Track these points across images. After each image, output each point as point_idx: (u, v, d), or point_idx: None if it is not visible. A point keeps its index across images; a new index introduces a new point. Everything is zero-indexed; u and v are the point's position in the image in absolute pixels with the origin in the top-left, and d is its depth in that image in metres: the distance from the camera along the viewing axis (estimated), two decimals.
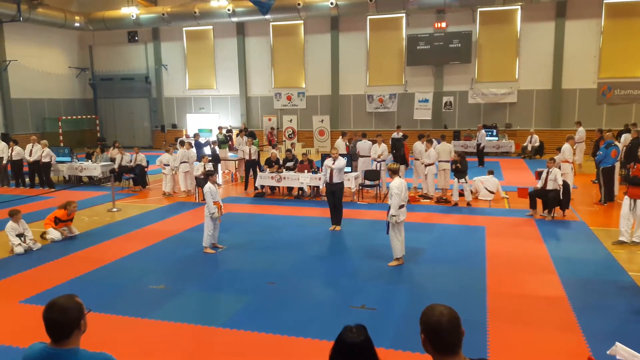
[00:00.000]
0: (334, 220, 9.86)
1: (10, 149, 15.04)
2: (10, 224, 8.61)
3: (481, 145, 18.38)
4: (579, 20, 21.06)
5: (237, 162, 16.39)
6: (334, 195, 9.73)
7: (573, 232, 9.40)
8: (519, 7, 21.70)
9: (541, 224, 9.89)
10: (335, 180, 9.71)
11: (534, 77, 21.94)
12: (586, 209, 11.23)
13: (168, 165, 13.75)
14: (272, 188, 13.74)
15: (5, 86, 23.59)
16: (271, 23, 24.85)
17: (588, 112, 21.23)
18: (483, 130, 19.00)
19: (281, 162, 13.63)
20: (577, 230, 9.51)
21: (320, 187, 10.21)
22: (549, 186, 10.26)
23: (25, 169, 15.41)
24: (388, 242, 8.77)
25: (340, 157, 9.90)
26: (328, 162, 9.80)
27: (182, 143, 14.26)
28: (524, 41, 21.97)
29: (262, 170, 13.68)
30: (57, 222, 9.44)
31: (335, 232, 9.62)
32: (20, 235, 8.64)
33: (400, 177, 7.63)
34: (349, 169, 12.58)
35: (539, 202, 10.51)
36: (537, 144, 20.23)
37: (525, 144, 20.54)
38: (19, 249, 8.47)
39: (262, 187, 13.52)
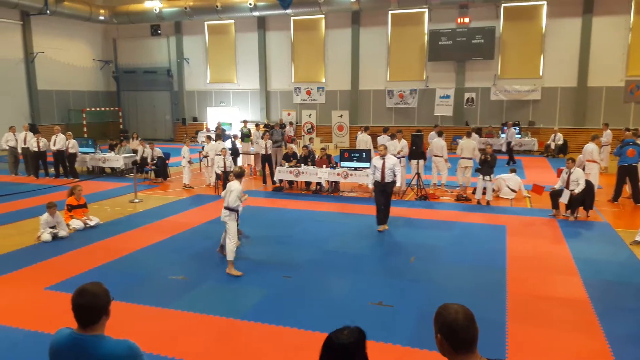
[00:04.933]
0: (383, 219, 9.40)
1: (37, 139, 15.33)
2: (46, 216, 8.83)
3: (512, 143, 18.08)
4: (607, 17, 20.59)
5: (254, 156, 16.49)
6: (385, 194, 9.26)
7: (596, 233, 9.24)
8: (545, 2, 21.31)
9: (563, 224, 9.73)
10: (387, 179, 9.16)
11: (558, 74, 21.54)
12: (610, 209, 11.03)
13: (184, 157, 14.01)
14: (290, 182, 13.79)
15: (33, 78, 24.08)
16: (292, 17, 24.84)
17: (615, 111, 20.78)
18: (513, 128, 18.69)
19: (299, 157, 13.66)
20: (601, 231, 9.33)
21: (370, 186, 9.67)
22: (572, 187, 10.06)
23: (50, 159, 15.72)
24: (407, 239, 8.76)
25: (390, 155, 9.44)
26: (376, 161, 9.30)
27: (210, 137, 14.63)
28: (549, 37, 21.58)
29: (279, 165, 13.72)
30: (71, 209, 9.65)
31: (351, 228, 9.59)
32: (52, 228, 8.88)
33: (240, 182, 7.42)
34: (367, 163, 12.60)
35: (561, 201, 10.33)
36: (561, 142, 19.91)
37: (548, 142, 20.23)
38: (46, 237, 8.69)
39: (281, 181, 13.58)
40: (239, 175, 7.51)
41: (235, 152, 15.20)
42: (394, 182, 9.24)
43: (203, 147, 14.80)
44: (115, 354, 2.37)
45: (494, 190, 12.27)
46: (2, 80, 22.65)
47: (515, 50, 22.17)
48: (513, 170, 12.59)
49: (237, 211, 7.33)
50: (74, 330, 2.42)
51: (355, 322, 2.34)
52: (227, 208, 7.24)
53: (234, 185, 7.27)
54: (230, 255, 7.17)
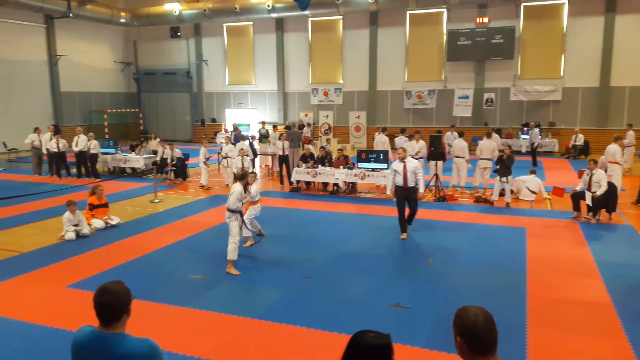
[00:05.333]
0: (405, 227, 9.01)
1: (56, 140, 15.55)
2: (67, 214, 9.01)
3: (535, 145, 17.68)
4: (630, 15, 20.16)
5: (271, 157, 16.56)
6: (408, 199, 8.82)
7: (619, 236, 9.06)
8: (566, 1, 20.99)
9: (585, 227, 9.57)
10: (410, 183, 8.70)
11: (580, 74, 21.18)
12: (634, 212, 10.80)
13: (208, 158, 14.19)
14: (308, 183, 13.82)
15: (56, 80, 24.56)
16: (310, 19, 24.89)
17: (639, 111, 20.35)
18: (536, 129, 18.33)
19: (316, 158, 13.67)
20: (624, 234, 9.15)
21: (388, 192, 9.07)
22: (593, 189, 9.89)
23: (72, 159, 15.96)
24: (425, 241, 8.69)
25: (410, 158, 8.97)
26: (397, 165, 8.75)
27: (229, 138, 14.87)
28: (570, 37, 21.24)
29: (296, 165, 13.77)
30: (92, 208, 9.81)
31: (368, 229, 9.56)
32: (75, 226, 9.06)
33: (241, 184, 7.51)
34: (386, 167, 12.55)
35: (582, 203, 10.16)
36: (582, 143, 19.56)
37: (573, 144, 19.83)
38: (70, 235, 8.86)
39: (298, 182, 13.62)
40: (241, 177, 7.64)
41: (253, 153, 15.29)
42: (417, 187, 8.79)
43: (221, 148, 14.91)
44: (135, 352, 2.40)
45: (512, 192, 12.13)
46: (26, 82, 23.15)
47: (535, 50, 21.87)
48: (533, 172, 12.44)
49: (239, 212, 7.47)
50: (96, 328, 2.46)
51: (373, 324, 2.34)
52: (228, 209, 7.41)
53: (235, 188, 7.43)
54: (230, 254, 7.24)
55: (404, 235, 8.91)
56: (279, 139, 15.05)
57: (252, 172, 9.43)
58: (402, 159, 8.73)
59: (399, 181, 8.75)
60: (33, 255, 8.05)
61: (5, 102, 22.19)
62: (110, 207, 10.31)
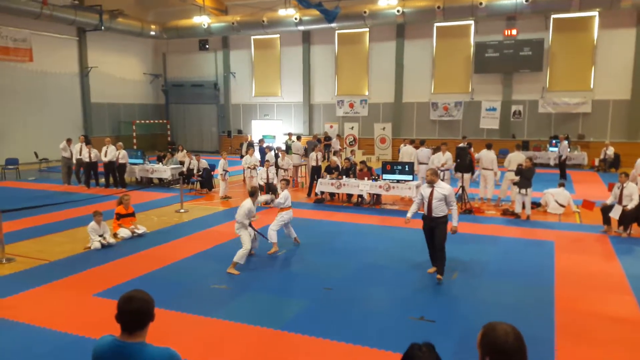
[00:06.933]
0: (438, 265, 7.42)
1: (88, 151, 15.88)
2: (93, 224, 9.19)
3: (562, 157, 17.28)
4: None
5: (293, 169, 16.57)
6: (433, 232, 7.38)
7: None
8: (597, 13, 20.62)
9: (615, 241, 9.29)
10: (435, 213, 7.27)
11: (610, 86, 20.73)
12: None
13: (227, 170, 14.30)
14: (332, 194, 13.80)
15: (87, 91, 25.25)
16: (337, 31, 25.05)
17: None
18: (565, 142, 17.88)
19: (341, 169, 13.66)
20: None
21: (408, 215, 7.75)
22: (625, 202, 9.62)
23: (100, 169, 16.29)
24: (450, 254, 8.49)
25: (441, 183, 7.46)
26: (424, 190, 7.45)
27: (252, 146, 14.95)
28: (600, 49, 20.83)
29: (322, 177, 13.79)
30: (119, 217, 9.98)
31: (392, 241, 9.48)
32: (100, 236, 9.22)
33: (252, 200, 7.97)
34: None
35: (612, 217, 9.87)
36: (612, 156, 19.05)
37: (603, 158, 19.31)
38: (96, 245, 9.03)
39: (322, 193, 13.62)
40: (251, 194, 8.07)
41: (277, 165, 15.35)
42: (445, 217, 7.32)
43: (244, 159, 14.97)
44: None
45: (540, 205, 11.90)
46: (58, 93, 23.82)
47: (564, 62, 21.52)
48: (561, 185, 12.17)
49: (249, 224, 7.98)
50: (116, 338, 2.47)
51: (397, 337, 2.30)
52: (237, 222, 7.89)
53: (244, 203, 7.91)
54: (237, 257, 7.70)
55: (432, 269, 7.63)
56: (312, 150, 15.11)
57: (283, 180, 9.62)
58: (431, 183, 7.36)
59: (425, 209, 7.53)
60: (61, 264, 8.22)
61: (37, 113, 22.85)
62: (137, 217, 10.47)
